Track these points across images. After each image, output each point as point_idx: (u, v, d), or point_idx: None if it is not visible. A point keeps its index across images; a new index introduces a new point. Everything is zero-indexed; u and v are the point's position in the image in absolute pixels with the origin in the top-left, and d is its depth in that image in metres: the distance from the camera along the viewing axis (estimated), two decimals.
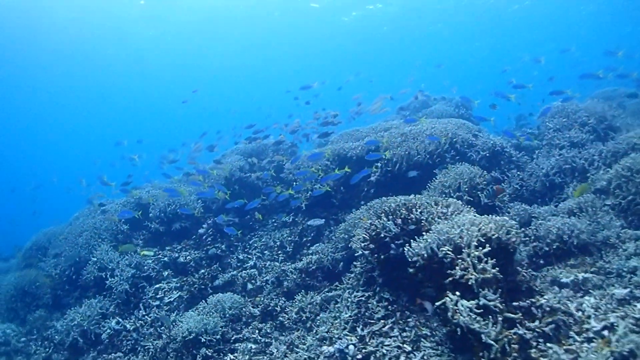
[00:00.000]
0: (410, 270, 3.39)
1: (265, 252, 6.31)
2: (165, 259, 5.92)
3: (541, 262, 4.06)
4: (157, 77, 33.40)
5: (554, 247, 4.01)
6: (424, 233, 3.47)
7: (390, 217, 3.98)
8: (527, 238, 4.28)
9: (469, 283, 2.87)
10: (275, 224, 6.96)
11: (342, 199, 6.66)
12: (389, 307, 3.73)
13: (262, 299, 5.23)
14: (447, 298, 2.90)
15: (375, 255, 3.95)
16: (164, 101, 39.11)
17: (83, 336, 5.09)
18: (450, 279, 2.98)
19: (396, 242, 3.79)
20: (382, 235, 3.88)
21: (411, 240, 3.46)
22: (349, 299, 4.07)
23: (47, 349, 5.28)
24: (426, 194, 5.19)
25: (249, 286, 5.41)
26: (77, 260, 6.30)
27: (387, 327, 3.55)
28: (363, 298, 3.98)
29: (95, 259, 5.90)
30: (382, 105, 9.47)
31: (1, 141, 39.82)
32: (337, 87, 11.36)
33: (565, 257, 3.93)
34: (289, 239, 6.38)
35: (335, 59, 30.64)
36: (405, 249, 3.41)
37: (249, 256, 6.20)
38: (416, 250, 3.30)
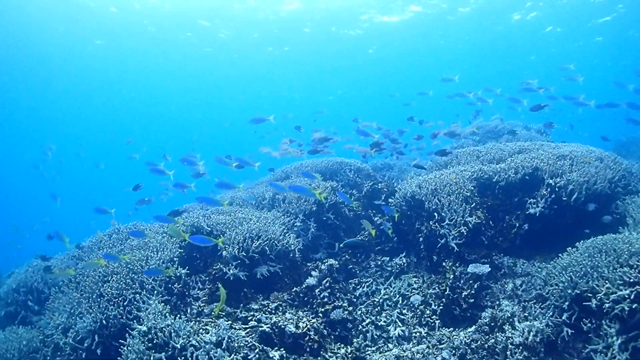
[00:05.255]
0: None
1: (404, 311, 4.19)
2: (265, 327, 3.63)
3: None
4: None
5: None
6: None
7: None
8: None
9: None
10: (386, 267, 4.92)
11: (491, 237, 4.82)
12: None
13: None
14: None
15: None
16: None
17: None
18: None
19: None
20: None
21: None
22: None
23: None
24: None
25: None
26: (103, 324, 3.87)
27: None
28: None
29: (145, 329, 3.52)
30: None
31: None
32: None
33: None
34: (430, 291, 4.34)
35: None
36: None
37: (386, 319, 4.05)
38: None
